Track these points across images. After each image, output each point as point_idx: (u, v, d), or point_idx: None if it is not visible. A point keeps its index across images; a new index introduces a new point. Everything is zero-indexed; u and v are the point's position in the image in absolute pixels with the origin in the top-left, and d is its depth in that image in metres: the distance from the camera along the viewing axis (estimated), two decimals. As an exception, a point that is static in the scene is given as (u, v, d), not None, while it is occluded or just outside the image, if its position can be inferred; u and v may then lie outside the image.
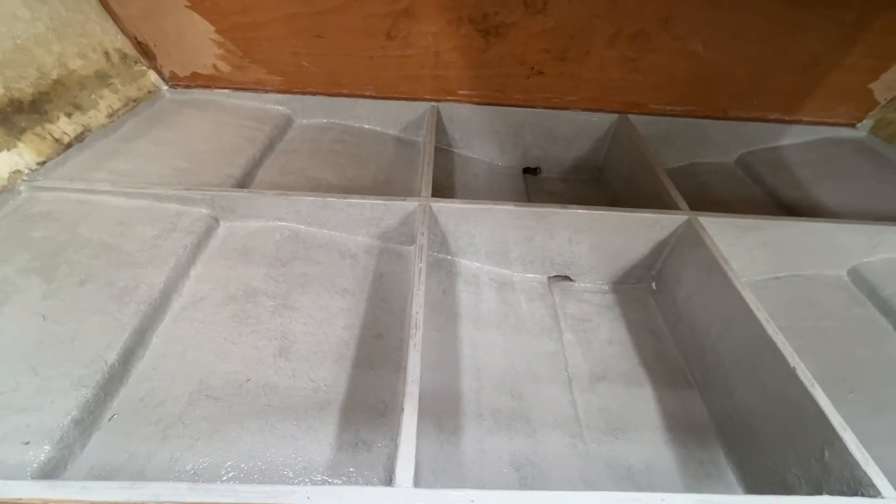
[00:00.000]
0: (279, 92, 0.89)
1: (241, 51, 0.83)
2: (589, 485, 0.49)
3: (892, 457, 0.50)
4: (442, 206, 0.62)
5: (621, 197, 0.87)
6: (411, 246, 0.65)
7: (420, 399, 0.51)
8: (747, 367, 0.51)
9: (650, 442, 0.54)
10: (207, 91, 0.88)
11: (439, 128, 0.92)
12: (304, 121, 0.92)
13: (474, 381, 0.55)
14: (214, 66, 0.85)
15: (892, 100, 0.88)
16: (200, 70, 0.86)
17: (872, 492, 0.35)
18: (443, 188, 0.85)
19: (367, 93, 0.89)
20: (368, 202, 0.62)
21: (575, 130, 0.92)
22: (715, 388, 0.56)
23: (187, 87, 0.88)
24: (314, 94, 0.89)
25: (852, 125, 0.93)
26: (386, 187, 0.78)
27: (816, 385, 0.42)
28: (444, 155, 0.94)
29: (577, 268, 0.72)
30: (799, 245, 0.69)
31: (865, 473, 0.36)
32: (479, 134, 0.94)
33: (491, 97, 0.89)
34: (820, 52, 0.81)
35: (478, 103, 0.90)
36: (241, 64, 0.85)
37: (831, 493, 0.37)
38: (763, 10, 0.76)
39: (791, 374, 0.44)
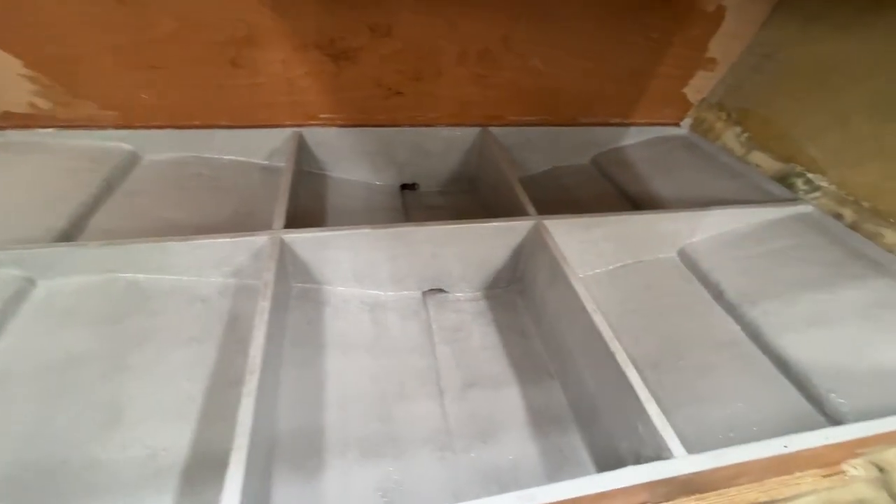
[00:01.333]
0: (118, 127, 0.81)
1: (62, 85, 0.74)
2: (456, 495, 0.50)
3: (712, 411, 0.59)
4: (296, 238, 0.61)
5: (490, 205, 0.92)
6: (269, 281, 0.62)
7: (276, 443, 0.49)
8: (587, 355, 0.56)
9: (517, 440, 0.57)
10: (27, 132, 0.78)
11: (307, 153, 0.90)
12: (154, 156, 0.85)
13: (339, 413, 0.54)
14: (31, 104, 0.76)
15: (701, 101, 1.03)
16: (13, 109, 0.76)
17: (667, 454, 0.40)
18: (313, 215, 0.83)
19: (223, 123, 0.85)
20: (215, 241, 0.59)
21: (444, 145, 0.96)
22: (570, 377, 0.61)
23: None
24: (161, 127, 0.83)
25: (677, 124, 1.08)
26: (249, 220, 0.75)
27: (630, 364, 0.48)
28: (316, 180, 0.93)
29: (448, 279, 0.74)
30: (637, 235, 0.78)
31: (663, 439, 0.41)
32: (350, 156, 0.94)
33: (355, 119, 0.90)
34: (639, 64, 0.93)
35: (342, 126, 0.90)
36: (64, 100, 0.76)
37: (648, 461, 0.42)
38: (587, 31, 0.86)
39: (611, 356, 0.49)
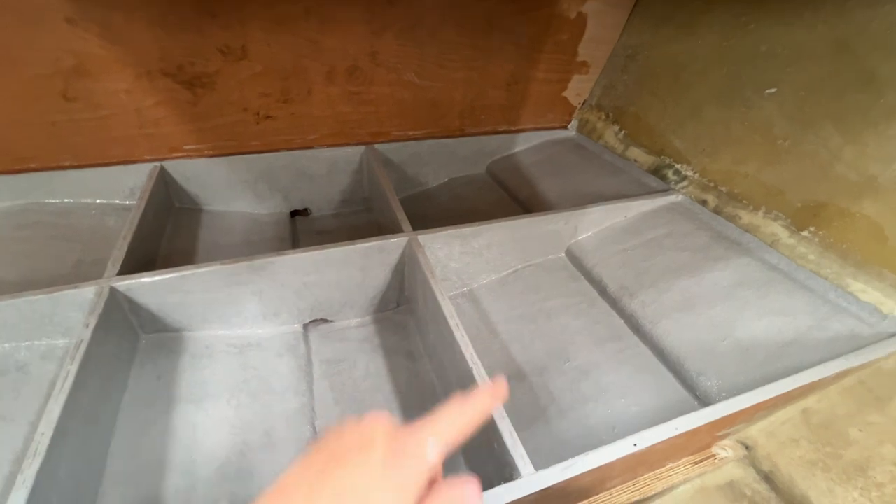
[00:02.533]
0: (-68, 179, 0.71)
1: None
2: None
3: (597, 411, 0.58)
4: (131, 284, 0.54)
5: (381, 223, 0.89)
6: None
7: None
8: (455, 368, 0.53)
9: (396, 473, 0.53)
10: None
11: (176, 188, 0.83)
12: (-16, 208, 0.74)
13: (186, 479, 0.48)
14: None
15: (583, 104, 1.07)
16: None
17: (516, 474, 0.38)
18: (182, 254, 0.76)
19: (66, 163, 0.76)
20: (23, 300, 0.51)
21: (328, 167, 0.92)
22: (448, 396, 0.58)
23: None
24: (-10, 174, 0.73)
25: (564, 127, 1.11)
26: (95, 269, 0.66)
27: (487, 380, 0.45)
28: (190, 216, 0.85)
29: (329, 308, 0.70)
30: (524, 239, 0.77)
31: (512, 458, 0.39)
32: (227, 186, 0.87)
33: (225, 148, 0.84)
34: (515, 71, 0.95)
35: (212, 156, 0.84)
36: None
37: (504, 481, 0.39)
38: (455, 42, 0.86)
39: (470, 373, 0.46)
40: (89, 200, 0.79)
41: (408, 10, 0.78)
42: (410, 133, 0.97)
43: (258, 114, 0.82)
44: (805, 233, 0.66)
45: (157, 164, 0.80)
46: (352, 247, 0.63)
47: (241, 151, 0.85)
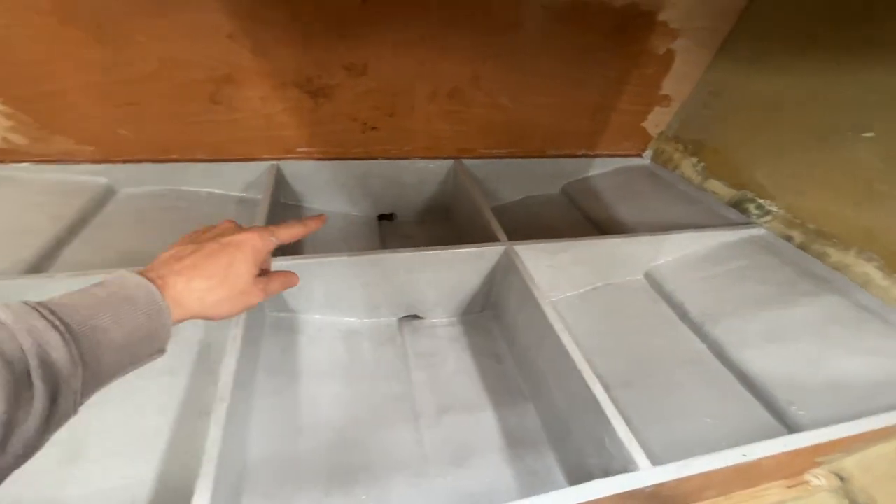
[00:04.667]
0: (95, 162, 0.82)
1: (38, 121, 0.75)
2: (430, 522, 0.49)
3: (681, 427, 0.60)
4: (275, 266, 0.62)
5: (465, 233, 0.95)
6: (243, 310, 0.62)
7: (248, 472, 0.48)
8: (557, 375, 0.57)
9: (492, 464, 0.57)
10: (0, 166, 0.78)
11: (285, 185, 0.92)
12: (131, 190, 0.85)
13: (312, 441, 0.54)
14: (5, 139, 0.76)
15: (660, 134, 1.11)
16: (-14, 144, 0.76)
17: (633, 467, 0.41)
18: (291, 245, 0.83)
19: (200, 157, 0.87)
20: (186, 271, 0.59)
21: (418, 177, 0.99)
22: (542, 398, 0.62)
23: (-28, 163, 0.77)
24: (138, 161, 0.84)
25: (640, 155, 1.15)
26: (223, 251, 0.75)
27: (597, 382, 0.49)
28: (293, 211, 0.94)
29: (423, 305, 0.75)
30: (605, 259, 0.81)
31: (629, 452, 0.42)
32: (327, 188, 0.96)
33: (331, 152, 0.93)
34: (599, 101, 1.00)
35: (319, 159, 0.92)
36: (40, 135, 0.77)
37: (614, 474, 0.43)
38: (549, 72, 0.92)
39: (579, 375, 0.50)
40: (213, 190, 0.89)
41: (513, 40, 0.85)
42: (495, 151, 1.03)
43: (365, 124, 0.90)
44: (901, 276, 0.66)
45: (275, 163, 0.89)
46: (456, 251, 0.69)
47: (345, 157, 0.94)
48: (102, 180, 0.83)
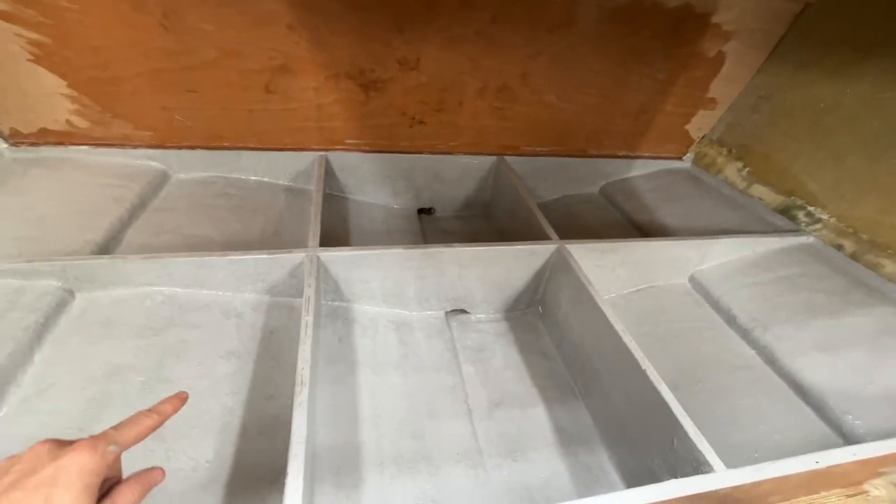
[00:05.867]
0: (150, 147, 0.83)
1: (101, 106, 0.77)
2: (492, 513, 0.50)
3: (735, 433, 0.60)
4: (331, 256, 0.63)
5: (506, 230, 0.95)
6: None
7: (316, 457, 0.49)
8: (614, 374, 0.57)
9: (545, 458, 0.58)
10: (61, 149, 0.80)
11: (331, 176, 0.93)
12: (183, 176, 0.87)
13: (374, 430, 0.55)
14: (69, 122, 0.78)
15: (703, 138, 1.10)
16: (50, 126, 0.78)
17: (707, 468, 0.42)
18: (338, 235, 0.85)
19: (251, 145, 0.88)
20: (252, 257, 0.60)
21: (460, 172, 1.00)
22: (594, 396, 0.63)
23: (34, 144, 0.79)
24: (192, 147, 0.86)
25: (680, 158, 1.14)
26: (275, 239, 0.77)
27: (662, 382, 0.50)
28: (338, 202, 0.95)
29: (470, 300, 0.76)
30: (650, 261, 0.81)
31: (702, 453, 0.43)
32: (372, 180, 0.97)
33: (378, 145, 0.93)
34: (645, 103, 0.99)
35: (366, 151, 0.93)
36: (101, 119, 0.78)
37: (684, 475, 0.43)
38: (598, 71, 0.91)
39: (643, 375, 0.51)
40: (263, 179, 0.90)
41: (563, 38, 0.85)
42: (538, 149, 1.03)
43: (413, 118, 0.91)
44: (961, 290, 0.65)
45: (324, 153, 0.90)
46: (508, 247, 0.70)
47: (392, 150, 0.94)
48: (157, 165, 0.84)
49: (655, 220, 0.97)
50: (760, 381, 0.67)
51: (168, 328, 0.56)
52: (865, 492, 0.53)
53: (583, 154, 1.07)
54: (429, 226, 1.02)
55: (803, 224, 0.86)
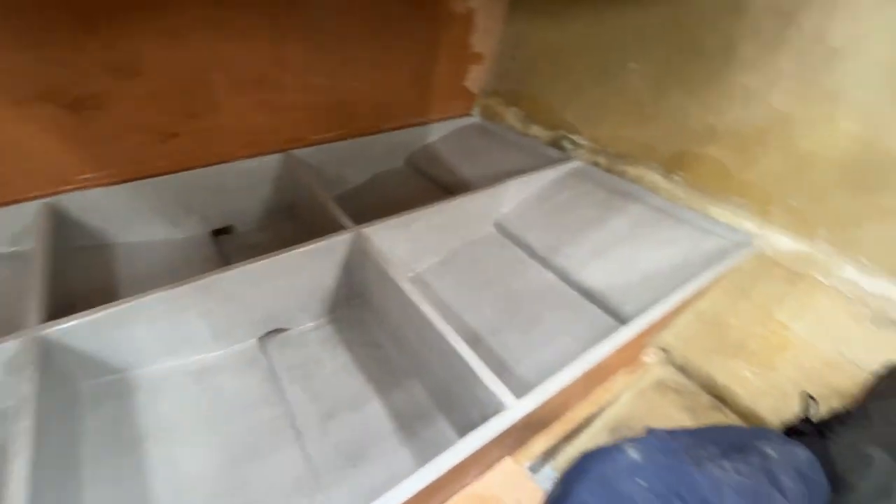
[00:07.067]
0: None
1: None
2: (335, 534, 0.47)
3: (547, 352, 0.67)
4: (65, 329, 0.50)
5: (311, 228, 0.89)
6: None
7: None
8: (428, 343, 0.58)
9: (389, 450, 0.56)
10: None
11: (71, 225, 0.75)
12: None
13: (176, 508, 0.46)
14: None
15: (482, 91, 1.17)
16: None
17: (502, 408, 0.44)
18: (97, 295, 0.69)
19: (-74, 215, 0.65)
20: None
21: (246, 179, 0.89)
22: (423, 370, 0.63)
23: None
24: None
25: (469, 114, 1.20)
26: (-2, 327, 0.58)
27: (460, 340, 0.51)
28: (94, 254, 0.77)
29: (285, 315, 0.70)
30: (455, 220, 0.84)
31: (495, 395, 0.45)
32: (135, 215, 0.81)
33: (127, 173, 0.77)
34: (418, 67, 1.01)
35: (112, 184, 0.77)
36: None
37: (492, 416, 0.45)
38: (357, 43, 0.89)
39: (443, 338, 0.52)
40: (-36, 254, 0.68)
41: (310, 14, 0.79)
42: (327, 135, 0.97)
43: (163, 133, 0.77)
44: (675, 177, 0.81)
45: (49, 200, 0.71)
46: (297, 251, 0.64)
47: (147, 175, 0.79)
48: None
49: (459, 178, 1.01)
50: (561, 298, 0.76)
51: None
52: (643, 363, 0.63)
53: (378, 130, 1.05)
54: (231, 245, 0.90)
55: (570, 151, 0.98)
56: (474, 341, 0.69)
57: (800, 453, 0.42)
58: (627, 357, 0.63)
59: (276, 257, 0.63)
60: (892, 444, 0.46)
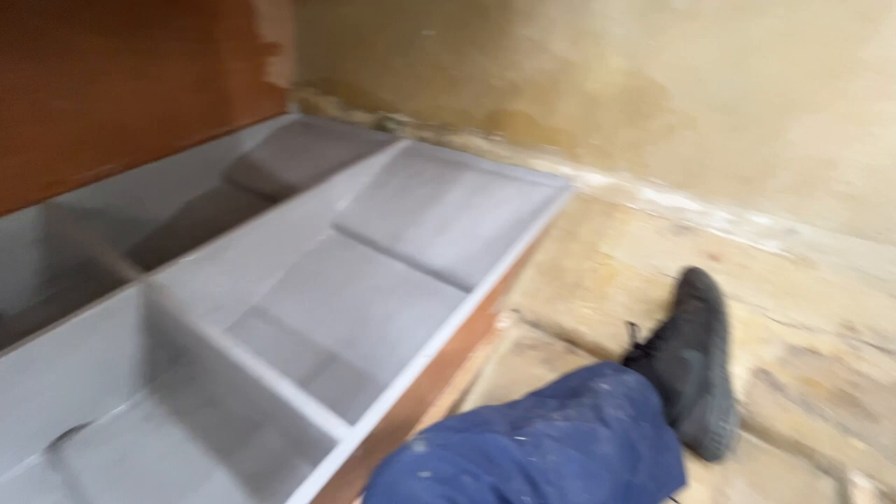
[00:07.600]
0: None
1: None
2: None
3: (408, 349, 0.63)
4: None
5: (99, 290, 0.73)
6: None
7: None
8: (256, 391, 0.49)
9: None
10: None
11: None
12: None
13: None
14: None
15: (293, 84, 1.06)
16: None
17: (334, 441, 0.39)
18: None
19: None
20: None
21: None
22: (268, 417, 0.55)
23: None
24: None
25: (285, 112, 1.08)
26: None
27: (279, 381, 0.44)
28: None
29: (78, 409, 0.55)
30: (285, 230, 0.75)
31: (325, 432, 0.39)
32: None
33: None
34: (202, 70, 0.87)
35: None
36: None
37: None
38: (105, 51, 0.72)
39: (261, 384, 0.44)
40: None
41: (21, 25, 0.61)
42: (100, 170, 0.79)
43: None
44: (495, 137, 0.82)
45: None
46: (63, 327, 0.50)
47: None
48: None
49: (284, 184, 0.91)
50: (413, 285, 0.72)
51: None
52: (499, 331, 0.63)
53: (173, 150, 0.89)
54: (1, 336, 0.69)
55: (395, 131, 0.94)
56: (331, 360, 0.62)
57: (628, 379, 0.44)
58: (482, 330, 0.62)
59: (39, 339, 0.50)
60: (699, 341, 0.51)
